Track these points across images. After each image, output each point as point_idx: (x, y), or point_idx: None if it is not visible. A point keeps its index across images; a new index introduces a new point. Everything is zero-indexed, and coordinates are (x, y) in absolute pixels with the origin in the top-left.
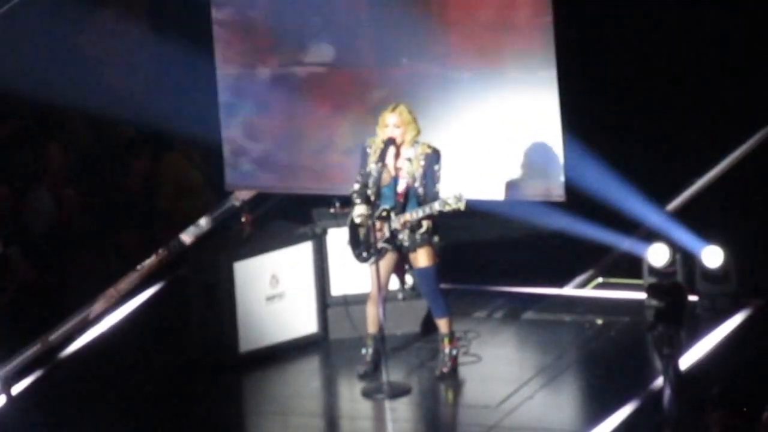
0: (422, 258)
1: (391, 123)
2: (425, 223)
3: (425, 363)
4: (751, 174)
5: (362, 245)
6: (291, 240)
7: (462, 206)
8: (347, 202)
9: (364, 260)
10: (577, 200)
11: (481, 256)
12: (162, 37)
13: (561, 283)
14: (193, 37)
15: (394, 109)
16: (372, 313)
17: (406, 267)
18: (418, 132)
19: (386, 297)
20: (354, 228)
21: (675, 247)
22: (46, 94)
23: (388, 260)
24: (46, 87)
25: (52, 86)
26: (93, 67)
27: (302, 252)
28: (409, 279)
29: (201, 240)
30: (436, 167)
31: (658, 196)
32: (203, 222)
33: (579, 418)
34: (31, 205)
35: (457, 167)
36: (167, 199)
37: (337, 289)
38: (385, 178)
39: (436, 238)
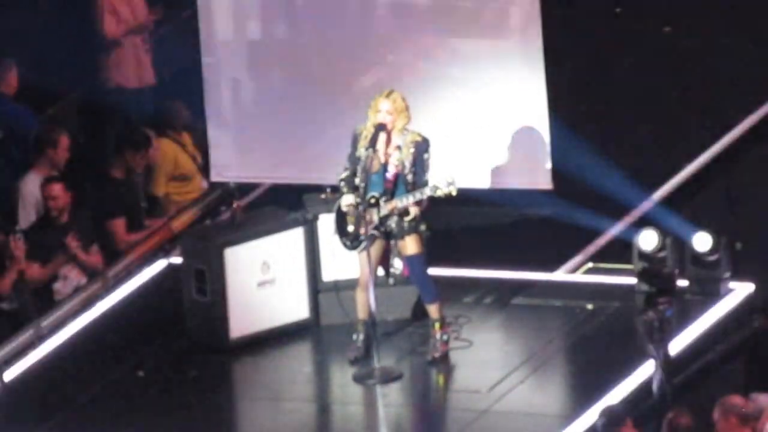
0: (410, 245)
1: (383, 109)
2: (413, 211)
3: (416, 348)
4: (741, 159)
5: (350, 233)
6: (282, 226)
7: (453, 191)
8: (337, 189)
9: (353, 248)
10: (567, 186)
11: (471, 242)
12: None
13: (551, 269)
14: (181, 24)
15: (388, 95)
16: (362, 299)
17: (393, 253)
18: (409, 120)
19: (376, 283)
20: (341, 216)
21: (665, 232)
22: (43, 80)
23: (376, 247)
24: (44, 73)
25: (50, 73)
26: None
27: (293, 238)
28: (397, 264)
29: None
30: (425, 155)
31: (648, 181)
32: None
33: (569, 402)
34: (23, 193)
35: (444, 155)
36: (160, 186)
37: (328, 274)
38: (375, 165)
39: (423, 227)
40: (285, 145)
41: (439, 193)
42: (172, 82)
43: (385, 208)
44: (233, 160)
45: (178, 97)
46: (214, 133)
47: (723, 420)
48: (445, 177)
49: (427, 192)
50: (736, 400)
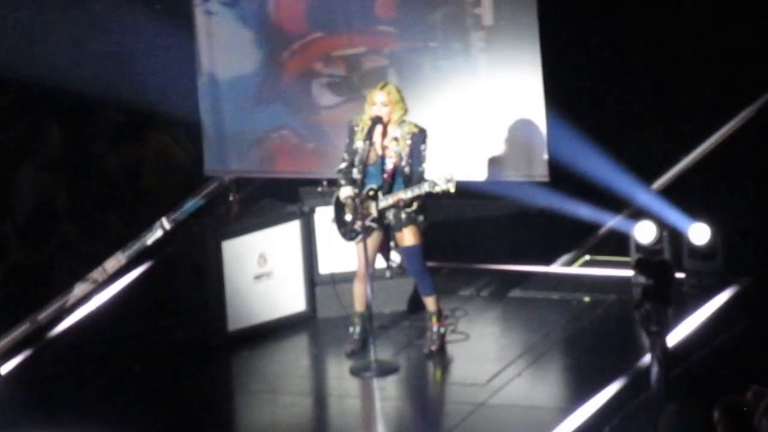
0: (408, 237)
1: (378, 101)
2: (415, 202)
3: (413, 341)
4: (738, 151)
5: (349, 224)
6: (279, 219)
7: (452, 188)
8: (334, 181)
9: (351, 239)
10: (564, 178)
11: (468, 235)
12: (147, 17)
13: (548, 261)
14: (178, 17)
15: (382, 88)
16: (359, 292)
17: (392, 245)
18: (406, 112)
19: (373, 275)
20: (339, 206)
21: (662, 224)
22: (40, 74)
23: (374, 239)
24: (41, 68)
25: (47, 67)
26: (83, 49)
27: (290, 231)
28: (395, 257)
29: (189, 219)
30: (422, 147)
31: (645, 173)
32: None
33: (566, 395)
34: (19, 185)
35: (441, 147)
36: (152, 179)
37: (324, 267)
38: (372, 157)
39: (421, 218)
40: (281, 141)
41: (437, 189)
42: (165, 76)
43: (384, 201)
44: (227, 154)
45: (172, 91)
46: (208, 127)
47: (723, 420)
48: (444, 174)
49: (426, 188)
50: (736, 398)
